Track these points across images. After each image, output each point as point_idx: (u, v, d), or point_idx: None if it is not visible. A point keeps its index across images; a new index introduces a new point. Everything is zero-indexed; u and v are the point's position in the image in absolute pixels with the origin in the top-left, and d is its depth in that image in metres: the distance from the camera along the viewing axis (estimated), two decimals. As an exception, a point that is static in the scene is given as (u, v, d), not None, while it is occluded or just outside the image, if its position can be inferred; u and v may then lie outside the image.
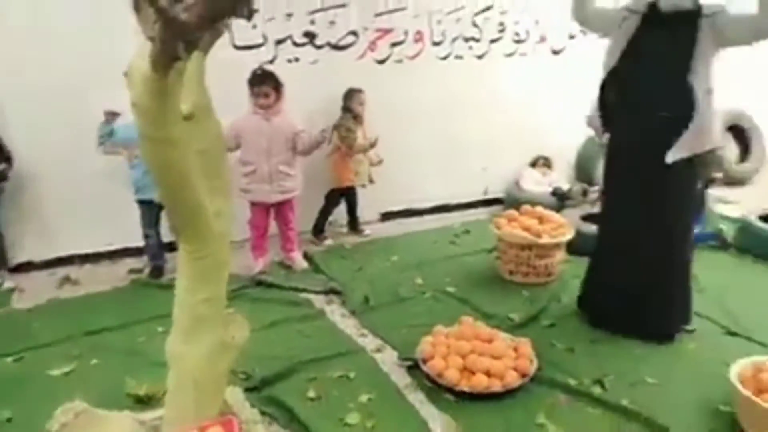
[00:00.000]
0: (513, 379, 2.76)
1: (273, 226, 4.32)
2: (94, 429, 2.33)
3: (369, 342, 3.25)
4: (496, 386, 2.73)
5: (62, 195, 4.18)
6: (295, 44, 4.64)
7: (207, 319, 2.12)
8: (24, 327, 3.42)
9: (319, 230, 4.84)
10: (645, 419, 2.55)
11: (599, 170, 5.63)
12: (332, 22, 4.73)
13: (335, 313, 3.61)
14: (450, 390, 2.75)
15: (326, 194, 4.82)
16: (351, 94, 4.61)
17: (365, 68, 4.89)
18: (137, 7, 1.63)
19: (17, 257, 4.22)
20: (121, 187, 4.06)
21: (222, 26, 2.04)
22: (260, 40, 4.50)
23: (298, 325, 3.42)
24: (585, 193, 5.52)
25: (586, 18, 3.28)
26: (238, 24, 2.02)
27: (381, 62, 5.00)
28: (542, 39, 5.68)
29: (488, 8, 5.34)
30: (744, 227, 4.49)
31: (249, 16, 1.85)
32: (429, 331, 3.11)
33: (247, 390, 2.72)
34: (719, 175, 5.92)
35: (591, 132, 3.42)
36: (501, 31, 5.46)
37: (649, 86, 2.97)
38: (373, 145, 4.62)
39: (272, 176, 4.06)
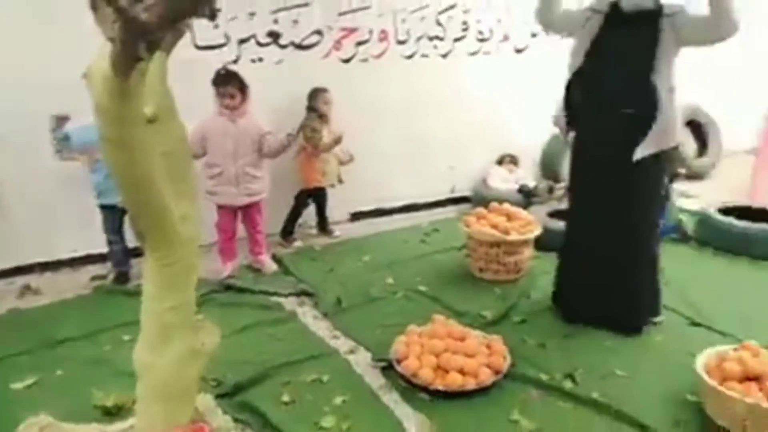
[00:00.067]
0: (487, 377, 2.77)
1: (241, 229, 4.26)
2: (59, 443, 2.26)
3: (342, 344, 3.23)
4: (471, 384, 2.73)
5: (20, 201, 4.05)
6: (259, 44, 4.59)
7: (175, 326, 2.08)
8: (-17, 339, 3.30)
9: (288, 232, 4.79)
10: (615, 411, 2.59)
11: (564, 167, 5.79)
12: (296, 22, 4.69)
13: (307, 315, 3.58)
14: (425, 389, 2.75)
15: (295, 196, 4.77)
16: (316, 94, 4.57)
17: (330, 68, 4.87)
18: (94, 7, 1.58)
19: (-27, 267, 4.07)
20: (82, 192, 3.95)
21: (184, 26, 2.00)
22: (222, 40, 4.43)
23: (270, 328, 3.38)
24: (551, 190, 5.59)
25: (550, 21, 3.31)
26: (199, 24, 1.99)
27: (346, 61, 4.98)
28: (505, 38, 5.74)
29: (451, 7, 5.37)
30: (703, 220, 4.62)
31: (212, 16, 1.82)
32: (402, 331, 3.11)
33: (219, 396, 2.68)
34: (683, 170, 6.09)
35: (556, 130, 3.46)
36: (464, 29, 5.50)
37: (614, 85, 3.01)
38: (337, 142, 4.57)
39: (238, 178, 4.01)
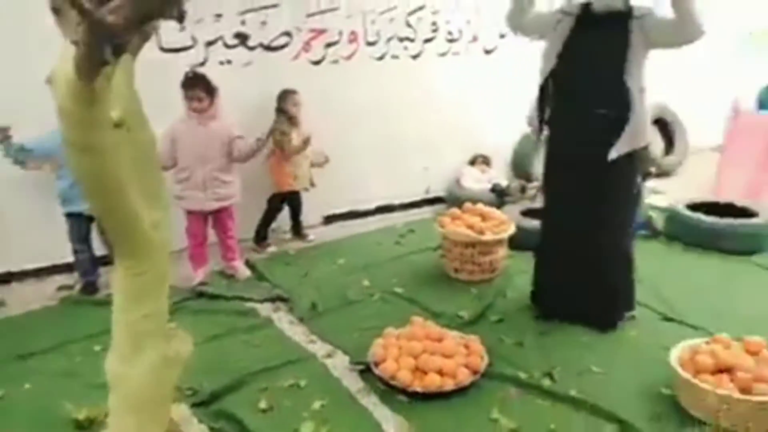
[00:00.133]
0: (465, 377, 2.77)
1: (212, 234, 4.19)
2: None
3: (319, 348, 3.20)
4: (449, 385, 2.73)
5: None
6: (227, 46, 4.52)
7: (148, 335, 2.03)
8: (-54, 354, 3.18)
9: (261, 237, 4.73)
10: (592, 407, 2.62)
11: (536, 166, 5.85)
12: (264, 23, 4.63)
13: (282, 320, 3.54)
14: (403, 391, 2.74)
15: (268, 200, 4.72)
16: (285, 96, 4.52)
17: (300, 69, 4.83)
18: (56, 9, 1.54)
19: (-67, 280, 3.93)
20: (47, 200, 3.84)
21: (151, 28, 1.96)
22: (189, 42, 4.36)
23: (245, 335, 3.33)
24: (523, 189, 5.64)
25: (521, 25, 3.31)
26: (165, 26, 1.96)
27: (316, 63, 4.94)
28: (474, 38, 5.77)
29: (421, 8, 5.38)
30: (672, 216, 4.70)
31: (180, 18, 1.78)
32: (379, 334, 3.09)
33: (195, 405, 2.64)
34: (653, 169, 6.19)
35: (526, 129, 3.49)
36: (434, 30, 5.51)
37: (587, 86, 3.05)
38: (306, 143, 4.50)
39: (206, 183, 3.93)
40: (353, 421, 2.59)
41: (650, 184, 5.83)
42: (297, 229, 4.93)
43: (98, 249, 3.92)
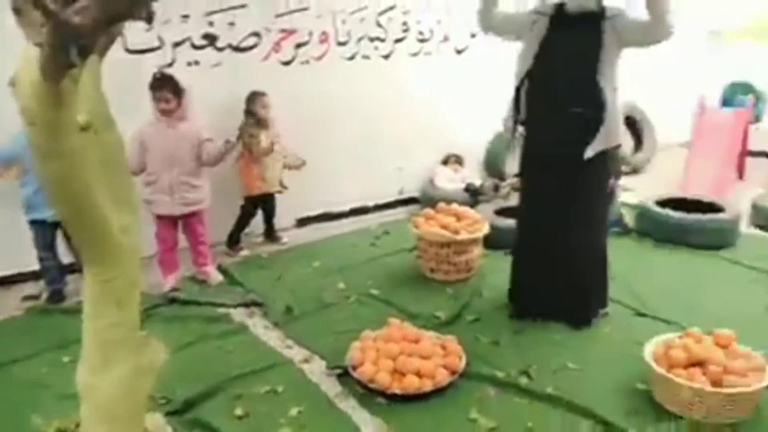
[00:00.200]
0: (443, 377, 2.77)
1: (184, 239, 4.11)
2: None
3: (295, 353, 3.16)
4: (428, 386, 2.72)
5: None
6: (195, 47, 4.44)
7: (119, 344, 1.97)
8: None
9: (234, 241, 4.66)
10: (568, 404, 2.64)
11: (508, 165, 5.89)
12: (232, 24, 4.57)
13: (257, 325, 3.48)
14: (382, 394, 2.72)
15: (242, 204, 4.65)
16: (253, 98, 4.45)
17: (271, 70, 4.77)
18: (17, 10, 1.48)
19: None
20: (10, 207, 3.72)
21: (118, 29, 1.91)
22: (156, 43, 4.27)
23: (219, 341, 3.27)
24: (496, 188, 5.67)
25: (492, 26, 3.33)
26: (131, 26, 1.92)
27: (287, 63, 4.89)
28: (445, 38, 5.78)
29: (391, 8, 5.37)
30: (643, 213, 4.78)
31: (149, 19, 1.73)
32: (356, 337, 3.07)
33: (169, 414, 2.58)
34: (625, 167, 6.29)
35: (499, 128, 3.50)
36: (405, 30, 5.51)
37: (562, 85, 3.07)
38: (273, 146, 4.44)
39: (173, 187, 3.84)
40: (331, 426, 2.56)
41: (621, 181, 5.93)
42: (270, 232, 4.87)
43: (64, 256, 3.81)
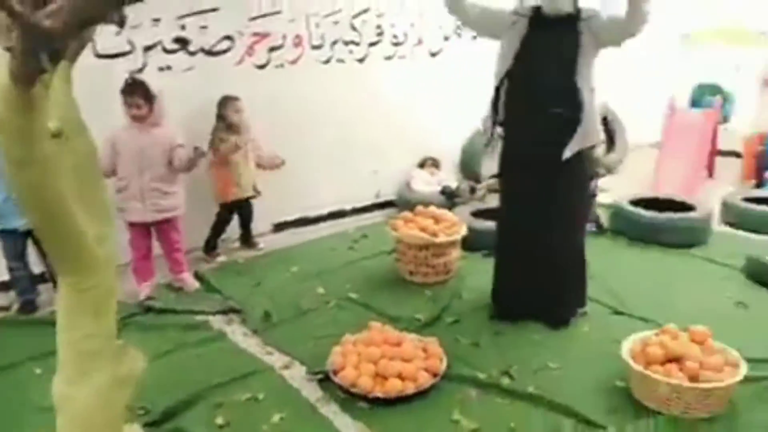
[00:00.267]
0: (425, 380, 2.77)
1: (159, 246, 4.04)
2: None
3: (275, 359, 3.13)
4: (410, 389, 2.72)
5: None
6: (166, 51, 4.38)
7: (96, 354, 1.94)
8: None
9: (211, 247, 4.59)
10: (549, 403, 2.66)
11: (484, 167, 5.92)
12: (204, 27, 4.51)
13: (236, 333, 3.44)
14: (364, 398, 2.71)
15: (217, 212, 4.58)
16: (225, 102, 4.39)
17: (245, 74, 4.72)
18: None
19: None
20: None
21: (90, 34, 1.87)
22: (127, 48, 4.20)
23: (197, 349, 3.22)
24: (473, 190, 5.70)
25: (459, 10, 3.25)
26: (101, 30, 1.88)
27: (261, 67, 4.85)
28: (419, 41, 5.80)
29: (365, 11, 5.37)
30: (617, 212, 4.85)
31: (121, 23, 1.71)
32: (336, 341, 3.05)
33: (148, 425, 2.53)
34: (601, 169, 6.36)
35: (474, 130, 3.52)
36: (379, 34, 5.51)
37: (542, 86, 3.10)
38: (238, 146, 4.37)
39: (144, 194, 3.77)
40: (313, 432, 2.54)
41: (599, 182, 6.01)
42: (246, 238, 4.81)
43: (36, 265, 3.73)
